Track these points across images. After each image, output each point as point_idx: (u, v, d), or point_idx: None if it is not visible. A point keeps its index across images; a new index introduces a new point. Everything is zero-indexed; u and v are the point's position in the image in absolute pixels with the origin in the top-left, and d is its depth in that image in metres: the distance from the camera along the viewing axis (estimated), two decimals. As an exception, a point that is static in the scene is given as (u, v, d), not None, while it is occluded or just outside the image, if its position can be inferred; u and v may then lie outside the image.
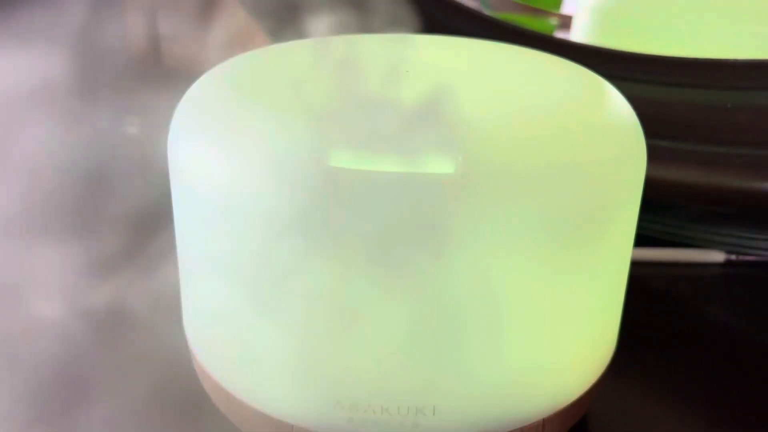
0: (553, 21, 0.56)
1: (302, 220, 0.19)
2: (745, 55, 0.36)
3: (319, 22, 0.30)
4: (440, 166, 0.19)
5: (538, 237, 0.20)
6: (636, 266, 0.40)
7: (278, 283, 0.21)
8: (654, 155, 0.36)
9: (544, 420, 0.23)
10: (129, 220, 0.40)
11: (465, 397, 0.21)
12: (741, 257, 0.39)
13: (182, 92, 0.25)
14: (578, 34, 0.48)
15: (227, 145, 0.21)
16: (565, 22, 0.51)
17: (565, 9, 0.56)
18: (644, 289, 0.37)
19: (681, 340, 0.31)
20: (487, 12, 0.57)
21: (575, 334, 0.23)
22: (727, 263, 0.39)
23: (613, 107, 0.24)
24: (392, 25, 0.31)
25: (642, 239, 0.40)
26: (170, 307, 0.29)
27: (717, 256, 0.39)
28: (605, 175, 0.21)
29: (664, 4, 0.43)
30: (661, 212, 0.39)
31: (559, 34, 0.56)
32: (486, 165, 0.19)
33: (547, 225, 0.20)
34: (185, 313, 0.26)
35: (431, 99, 0.20)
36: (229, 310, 0.22)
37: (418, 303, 0.20)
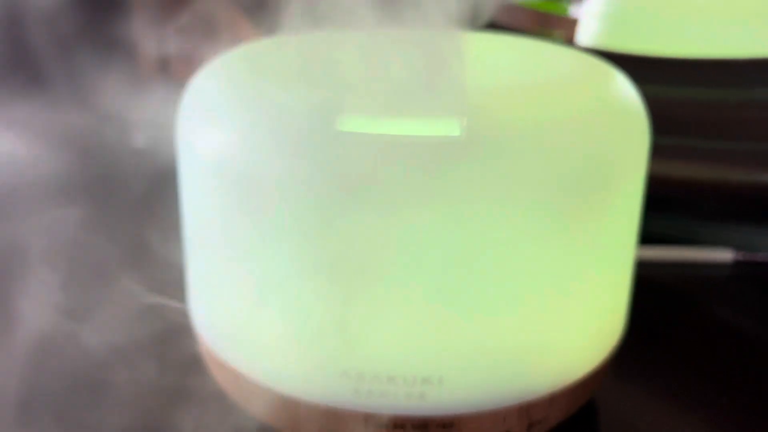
0: (558, 33, 0.56)
1: (311, 184, 0.20)
2: (747, 54, 0.36)
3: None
4: (446, 129, 0.19)
5: (544, 199, 0.20)
6: (644, 265, 0.40)
7: (285, 250, 0.21)
8: (659, 152, 0.36)
9: (551, 395, 0.23)
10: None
11: (472, 367, 0.21)
12: (750, 256, 0.39)
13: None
14: (584, 38, 0.49)
15: (237, 114, 0.21)
16: (569, 34, 0.52)
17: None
18: (652, 288, 0.36)
19: (689, 339, 0.31)
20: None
21: (584, 308, 0.22)
22: (736, 262, 0.39)
23: (617, 83, 0.24)
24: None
25: (650, 239, 0.40)
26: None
27: (725, 255, 0.39)
28: (609, 140, 0.21)
29: (666, 9, 0.43)
30: (669, 211, 0.39)
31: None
32: (491, 128, 0.19)
33: (552, 187, 0.20)
34: (191, 294, 0.26)
35: (438, 66, 0.20)
36: (236, 281, 0.22)
37: (426, 269, 0.20)
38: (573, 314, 0.22)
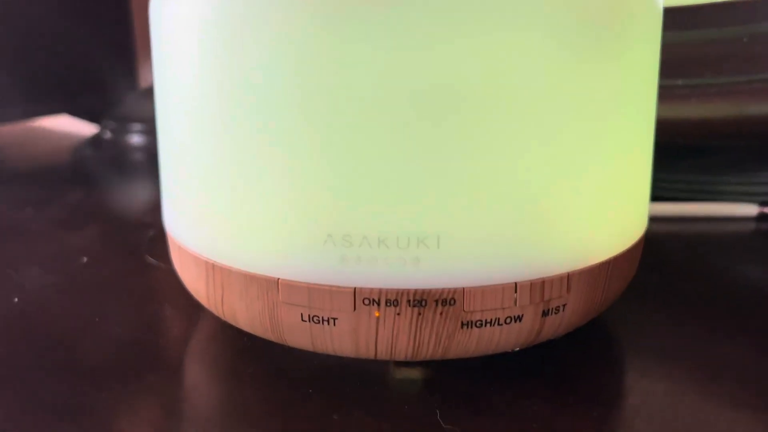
0: None
1: (288, 17, 0.18)
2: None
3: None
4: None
5: (560, 30, 0.18)
6: (665, 222, 0.38)
7: (261, 98, 0.18)
8: (671, 94, 0.35)
9: (569, 274, 0.20)
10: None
11: (475, 227, 0.18)
12: (776, 211, 0.36)
13: None
14: None
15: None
16: None
17: None
18: (674, 246, 0.34)
19: (713, 294, 0.28)
20: None
21: (603, 179, 0.20)
22: (761, 216, 0.36)
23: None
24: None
25: (674, 196, 0.38)
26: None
27: (750, 210, 0.36)
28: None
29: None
30: (688, 164, 0.36)
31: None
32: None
33: (570, 19, 0.18)
34: (165, 193, 0.24)
35: None
36: (211, 153, 0.20)
37: (422, 103, 0.18)
38: (591, 183, 0.20)
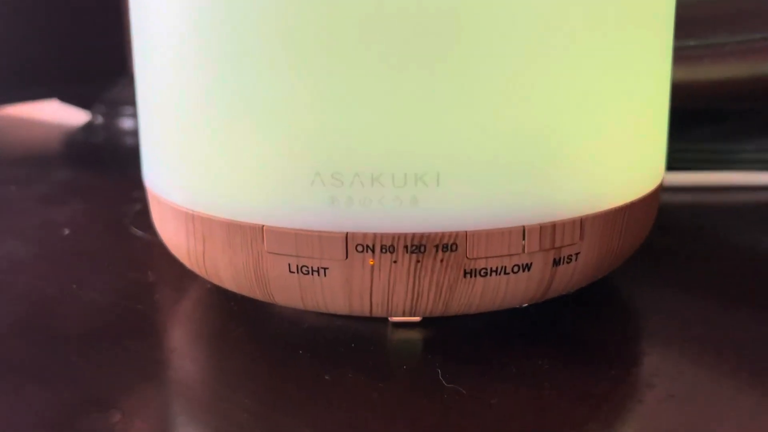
0: None
1: None
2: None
3: None
4: None
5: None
6: (679, 192, 0.36)
7: (246, 27, 0.17)
8: (683, 55, 0.33)
9: (582, 219, 0.18)
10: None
11: (479, 161, 0.17)
12: (795, 179, 0.34)
13: None
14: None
15: None
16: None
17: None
18: (689, 217, 0.32)
19: (728, 267, 0.26)
20: None
21: (617, 118, 0.18)
22: (780, 184, 0.34)
23: None
24: None
25: (693, 165, 0.36)
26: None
27: None
28: None
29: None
30: (703, 130, 0.35)
31: None
32: None
33: None
34: (143, 145, 0.22)
35: None
36: (193, 98, 0.18)
37: (418, 23, 0.16)
38: (609, 120, 0.18)
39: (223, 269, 0.19)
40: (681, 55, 0.33)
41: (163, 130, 0.20)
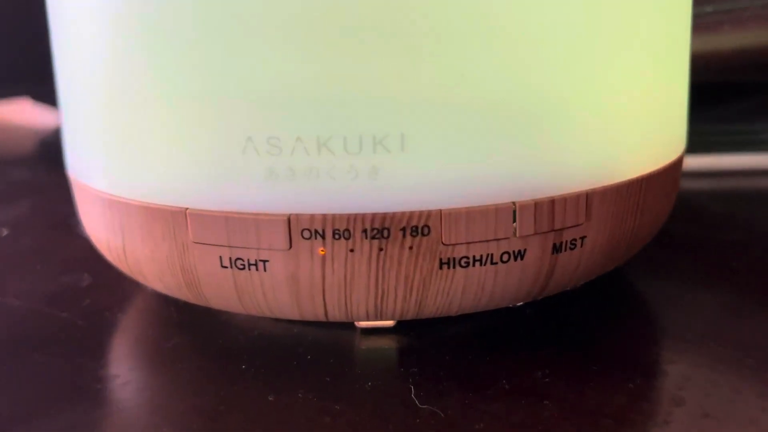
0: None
1: None
2: None
3: None
4: None
5: None
6: (700, 178, 0.33)
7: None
8: (700, 23, 0.29)
9: (588, 193, 0.14)
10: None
11: (456, 119, 0.13)
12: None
13: None
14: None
15: None
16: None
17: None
18: (710, 204, 0.28)
19: (756, 260, 0.23)
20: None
21: (632, 64, 0.15)
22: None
23: None
24: None
25: (717, 148, 0.32)
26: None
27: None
28: None
29: None
30: (724, 108, 0.31)
31: None
32: None
33: None
34: (64, 128, 0.18)
35: None
36: (105, 50, 0.15)
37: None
38: (619, 68, 0.14)
39: (146, 265, 0.15)
40: (698, 23, 0.29)
41: (76, 104, 0.16)
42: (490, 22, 0.13)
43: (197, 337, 0.17)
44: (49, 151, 0.49)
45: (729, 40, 0.29)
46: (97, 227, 0.17)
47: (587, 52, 0.14)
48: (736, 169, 0.31)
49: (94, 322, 0.19)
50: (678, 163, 0.18)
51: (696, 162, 0.30)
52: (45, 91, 0.57)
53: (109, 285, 0.21)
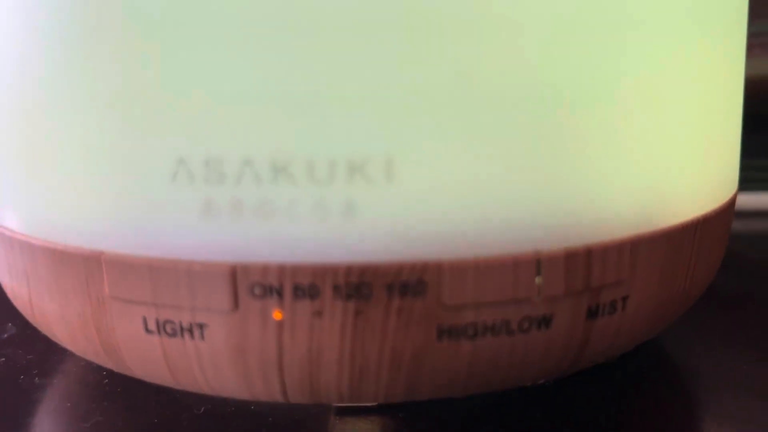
0: None
1: None
2: None
3: None
4: None
5: None
6: (747, 218, 0.29)
7: None
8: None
9: (632, 241, 0.11)
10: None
11: (461, 141, 0.10)
12: None
13: None
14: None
15: None
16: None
17: None
18: (751, 248, 0.25)
19: None
20: None
21: (682, 90, 0.11)
22: None
23: None
24: None
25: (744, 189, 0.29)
26: None
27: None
28: None
29: None
30: (761, 140, 0.28)
31: None
32: None
33: None
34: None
35: None
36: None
37: None
38: (668, 93, 0.11)
39: (56, 324, 0.12)
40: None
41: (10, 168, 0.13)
42: (516, 18, 0.10)
43: (126, 414, 0.14)
44: None
45: (761, 65, 0.26)
46: (2, 271, 0.13)
47: (633, 72, 0.10)
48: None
49: (3, 387, 0.15)
50: (732, 203, 0.14)
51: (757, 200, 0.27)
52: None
53: (34, 339, 0.17)
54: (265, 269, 0.10)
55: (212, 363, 0.10)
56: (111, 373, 0.15)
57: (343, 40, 0.09)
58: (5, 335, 0.18)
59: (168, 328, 0.10)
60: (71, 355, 0.17)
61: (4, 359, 0.16)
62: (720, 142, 0.13)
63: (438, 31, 0.09)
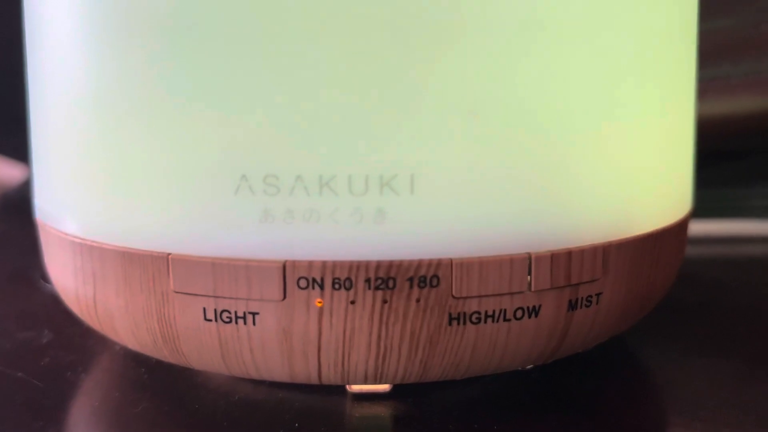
0: None
1: None
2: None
3: None
4: None
5: None
6: (698, 244, 0.32)
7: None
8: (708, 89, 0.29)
9: (605, 246, 0.13)
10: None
11: (470, 160, 0.12)
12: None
13: None
14: None
15: None
16: None
17: None
18: (697, 272, 0.28)
19: (743, 333, 0.22)
20: None
21: (650, 120, 0.14)
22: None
23: None
24: None
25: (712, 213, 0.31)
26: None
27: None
28: None
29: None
30: (710, 173, 0.31)
31: None
32: None
33: None
34: (32, 175, 0.17)
35: None
36: (83, 77, 0.14)
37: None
38: (640, 121, 0.14)
39: (119, 319, 0.14)
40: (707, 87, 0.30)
41: (48, 140, 0.15)
42: (506, 63, 0.12)
43: (169, 402, 0.16)
44: (9, 205, 0.48)
45: (714, 106, 0.29)
46: (65, 276, 0.15)
47: (609, 103, 0.13)
48: (727, 236, 0.30)
49: (54, 383, 0.17)
50: (687, 220, 0.17)
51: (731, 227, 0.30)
52: (10, 145, 0.55)
53: (71, 342, 0.19)
54: (310, 265, 0.12)
55: (261, 346, 0.12)
56: (150, 369, 0.17)
57: (377, 88, 0.11)
58: (44, 340, 0.20)
59: (224, 316, 0.12)
60: (109, 355, 0.19)
61: (48, 359, 0.18)
62: (675, 171, 0.16)
63: (448, 79, 0.12)
